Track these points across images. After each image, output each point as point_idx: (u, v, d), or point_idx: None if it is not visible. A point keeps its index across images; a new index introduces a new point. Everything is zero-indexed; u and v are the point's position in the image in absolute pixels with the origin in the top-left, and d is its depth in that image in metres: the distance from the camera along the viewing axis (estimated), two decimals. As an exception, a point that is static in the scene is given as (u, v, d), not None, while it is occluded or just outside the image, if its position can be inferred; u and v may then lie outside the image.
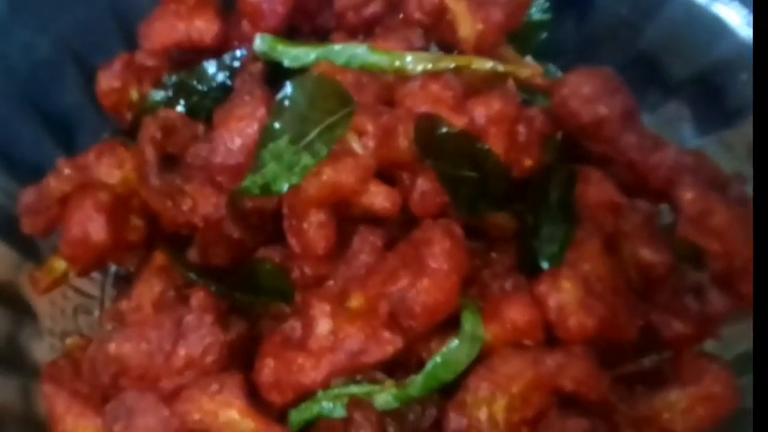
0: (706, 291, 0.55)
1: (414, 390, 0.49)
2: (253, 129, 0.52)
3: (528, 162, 0.55)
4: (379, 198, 0.52)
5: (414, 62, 0.56)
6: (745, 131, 0.61)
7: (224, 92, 0.60)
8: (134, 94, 0.63)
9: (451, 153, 0.52)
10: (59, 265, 0.59)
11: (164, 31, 0.63)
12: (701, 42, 0.66)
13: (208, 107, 0.59)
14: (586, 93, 0.57)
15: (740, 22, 0.64)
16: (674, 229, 0.56)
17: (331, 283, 0.53)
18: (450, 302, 0.49)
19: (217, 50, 0.63)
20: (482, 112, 0.53)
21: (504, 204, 0.54)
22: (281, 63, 0.59)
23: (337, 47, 0.58)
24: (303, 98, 0.52)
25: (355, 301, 0.51)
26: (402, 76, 0.56)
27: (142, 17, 0.64)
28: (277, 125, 0.51)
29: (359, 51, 0.57)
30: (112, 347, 0.52)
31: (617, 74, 0.58)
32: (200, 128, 0.59)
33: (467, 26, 0.60)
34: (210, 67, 0.62)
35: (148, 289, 0.54)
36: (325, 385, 0.50)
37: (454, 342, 0.50)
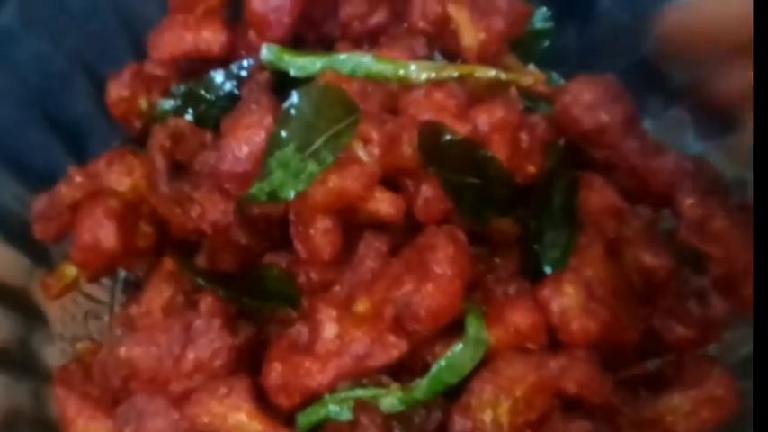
0: (708, 295, 0.55)
1: (419, 393, 0.50)
2: (260, 137, 0.52)
3: (531, 169, 0.55)
4: (383, 204, 0.53)
5: (418, 71, 0.56)
6: (745, 138, 0.61)
7: (231, 101, 0.60)
8: (143, 104, 0.64)
9: (455, 160, 0.52)
10: (70, 271, 0.59)
11: (172, 41, 0.63)
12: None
13: (216, 116, 0.59)
14: (588, 100, 0.57)
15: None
16: (676, 234, 0.56)
17: (337, 288, 0.53)
18: (454, 307, 0.50)
19: (224, 60, 0.63)
20: (485, 119, 0.53)
21: (507, 210, 0.55)
22: (287, 72, 0.59)
23: (342, 56, 0.58)
24: (309, 107, 0.52)
25: (361, 306, 0.51)
26: (406, 85, 0.56)
27: (151, 28, 0.64)
28: (284, 133, 0.52)
29: (364, 60, 0.57)
30: (123, 351, 0.52)
31: (618, 81, 0.58)
32: (209, 136, 0.59)
33: (470, 35, 0.60)
34: (218, 76, 0.62)
35: (158, 294, 0.55)
36: (332, 389, 0.50)
37: (459, 346, 0.50)
